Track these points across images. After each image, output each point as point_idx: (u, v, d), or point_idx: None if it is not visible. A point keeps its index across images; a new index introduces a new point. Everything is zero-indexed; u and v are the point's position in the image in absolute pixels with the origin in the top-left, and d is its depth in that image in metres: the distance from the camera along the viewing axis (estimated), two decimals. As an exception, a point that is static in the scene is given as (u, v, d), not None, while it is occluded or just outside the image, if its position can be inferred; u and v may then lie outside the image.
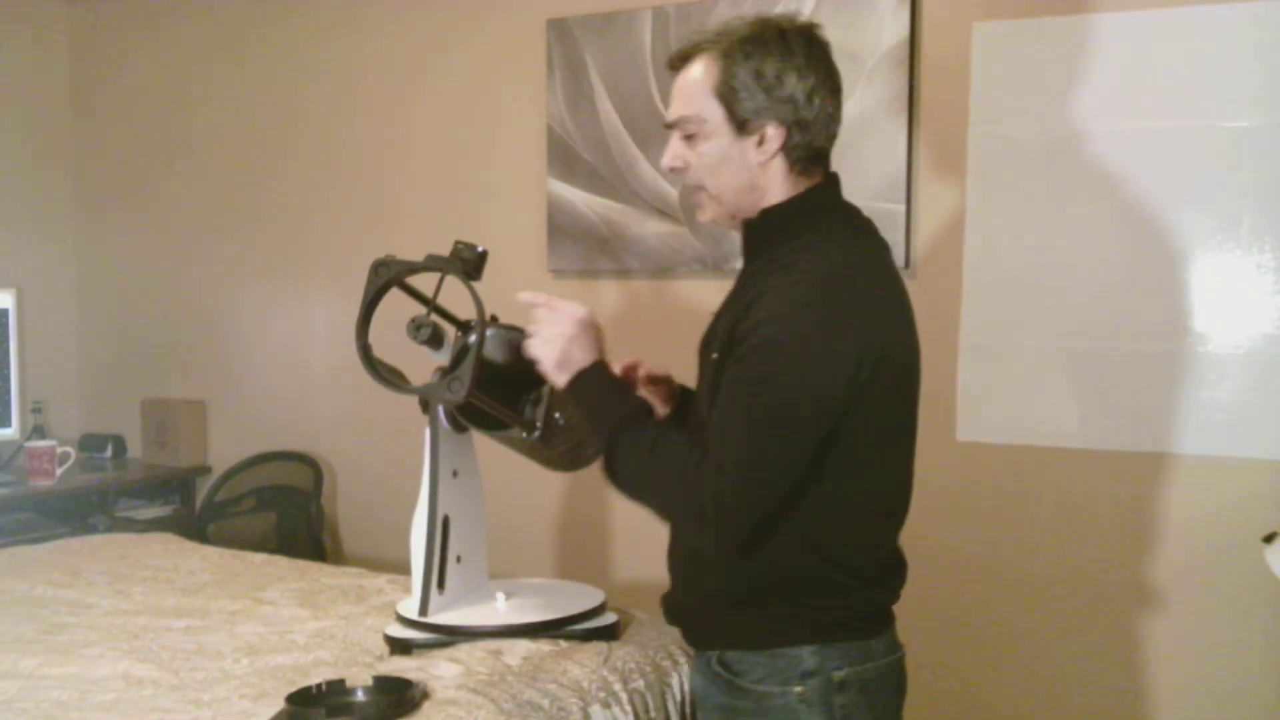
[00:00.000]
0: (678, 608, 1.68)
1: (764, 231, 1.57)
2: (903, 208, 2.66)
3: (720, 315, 1.63)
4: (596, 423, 1.56)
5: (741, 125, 1.52)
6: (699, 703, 1.67)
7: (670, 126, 1.59)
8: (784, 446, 1.44)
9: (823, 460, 1.47)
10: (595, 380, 1.58)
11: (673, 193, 2.96)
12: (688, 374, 1.74)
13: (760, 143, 1.53)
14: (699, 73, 1.54)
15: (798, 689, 1.52)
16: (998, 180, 2.60)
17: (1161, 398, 2.47)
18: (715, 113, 1.53)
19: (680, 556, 1.66)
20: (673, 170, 1.60)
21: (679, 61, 1.58)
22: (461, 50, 3.32)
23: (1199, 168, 2.42)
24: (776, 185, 1.55)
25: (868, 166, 2.65)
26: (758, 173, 1.54)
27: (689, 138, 1.56)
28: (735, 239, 2.82)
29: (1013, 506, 2.63)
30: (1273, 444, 2.38)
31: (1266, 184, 2.37)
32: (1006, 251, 2.60)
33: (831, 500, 1.50)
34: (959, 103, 2.63)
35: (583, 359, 1.58)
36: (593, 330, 1.61)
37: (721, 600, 1.59)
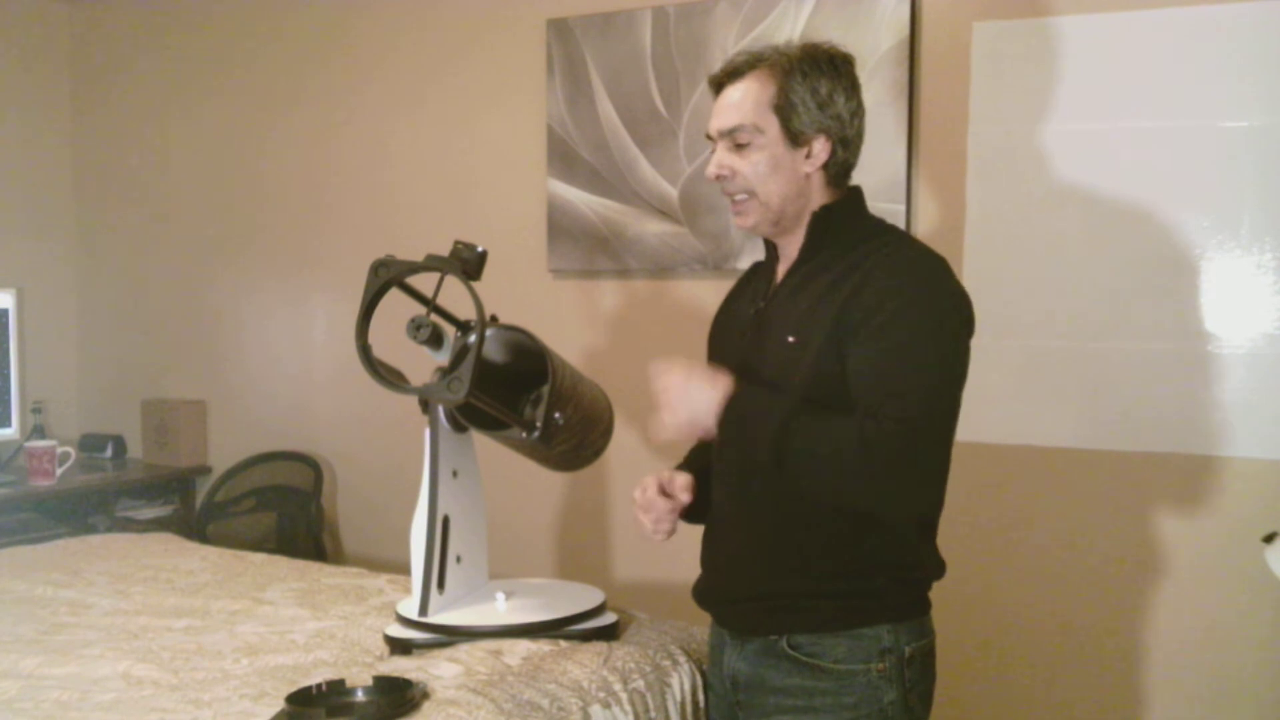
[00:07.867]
0: (735, 597, 1.73)
1: (828, 225, 1.67)
2: (903, 208, 2.66)
3: (787, 299, 1.68)
4: (756, 440, 1.56)
5: (795, 137, 1.64)
6: (751, 685, 1.71)
7: (718, 136, 1.67)
8: (952, 397, 1.58)
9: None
10: (732, 408, 1.58)
11: (673, 192, 2.96)
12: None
13: (808, 155, 1.65)
14: (755, 88, 1.63)
15: (879, 665, 1.63)
16: (998, 180, 2.60)
17: (1161, 397, 2.47)
18: (772, 125, 1.63)
19: (743, 547, 1.71)
20: (718, 178, 1.68)
21: (728, 77, 1.67)
22: (461, 50, 3.32)
23: (1199, 168, 2.42)
24: (818, 194, 1.67)
25: (868, 166, 2.61)
26: (804, 182, 1.66)
27: (739, 147, 1.65)
28: (735, 239, 2.85)
29: (1012, 507, 2.63)
30: (1273, 444, 2.38)
31: (1266, 184, 2.37)
32: (1006, 251, 2.60)
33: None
34: (959, 103, 2.63)
35: (711, 399, 1.58)
36: (695, 374, 1.61)
37: (801, 587, 1.65)
